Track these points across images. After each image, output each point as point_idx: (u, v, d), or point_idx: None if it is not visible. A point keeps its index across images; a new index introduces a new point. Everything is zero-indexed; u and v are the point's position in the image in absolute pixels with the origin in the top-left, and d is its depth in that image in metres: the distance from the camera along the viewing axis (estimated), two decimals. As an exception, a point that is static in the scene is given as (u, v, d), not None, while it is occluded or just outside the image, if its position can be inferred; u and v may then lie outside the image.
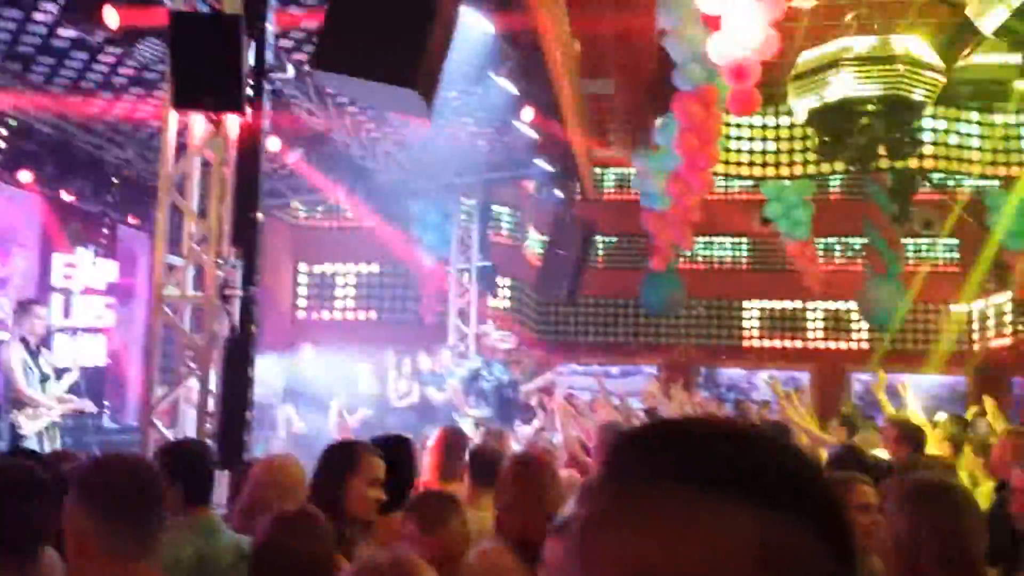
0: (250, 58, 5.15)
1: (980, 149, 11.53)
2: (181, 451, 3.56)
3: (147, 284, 10.33)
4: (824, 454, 5.62)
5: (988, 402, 7.16)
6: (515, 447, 5.69)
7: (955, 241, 15.55)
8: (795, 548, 0.64)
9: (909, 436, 5.15)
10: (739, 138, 11.36)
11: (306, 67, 7.47)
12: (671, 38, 6.58)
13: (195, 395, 5.70)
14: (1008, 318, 13.91)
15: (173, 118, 5.52)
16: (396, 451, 3.60)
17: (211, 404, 5.47)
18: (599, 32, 9.72)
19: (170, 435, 5.64)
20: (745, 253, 16.64)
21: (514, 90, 7.68)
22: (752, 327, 16.06)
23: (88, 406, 7.38)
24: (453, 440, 4.59)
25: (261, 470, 3.49)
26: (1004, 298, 13.91)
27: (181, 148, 5.79)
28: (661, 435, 0.71)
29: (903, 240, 15.10)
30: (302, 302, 14.60)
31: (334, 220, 14.60)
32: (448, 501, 2.91)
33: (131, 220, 10.09)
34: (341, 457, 3.10)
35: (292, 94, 7.80)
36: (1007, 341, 13.93)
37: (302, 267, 14.58)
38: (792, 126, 11.48)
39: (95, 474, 2.09)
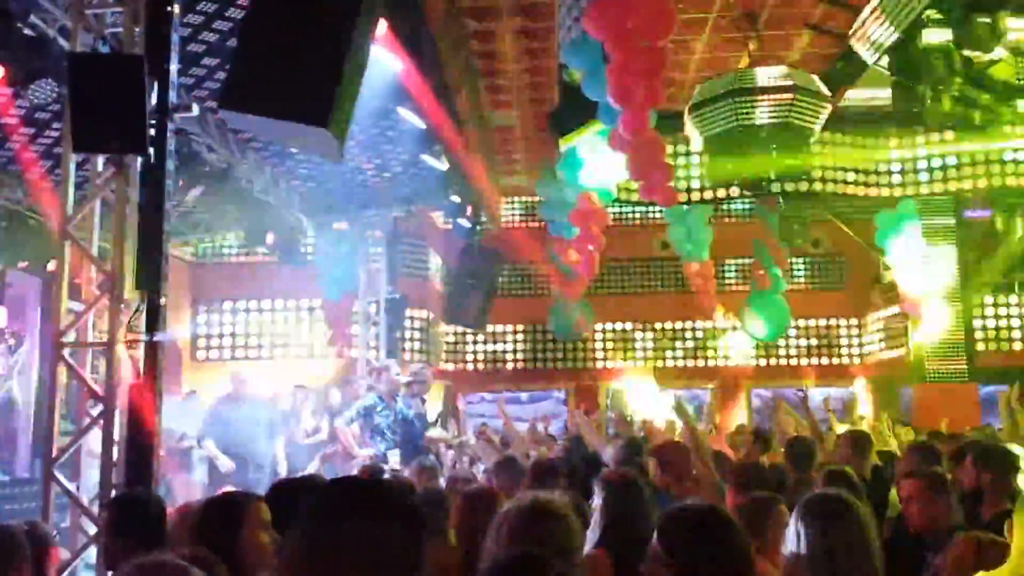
0: (153, 98, 5.00)
1: (865, 172, 12.13)
2: (128, 503, 3.44)
3: (38, 330, 9.87)
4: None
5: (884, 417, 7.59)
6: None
7: (843, 260, 16.28)
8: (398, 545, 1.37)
9: (860, 446, 5.40)
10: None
11: (208, 104, 7.34)
12: (585, 81, 6.73)
13: (97, 445, 5.46)
14: (896, 331, 14.60)
15: (72, 159, 5.30)
16: (303, 494, 3.50)
17: (115, 453, 5.25)
18: (501, 66, 9.85)
19: (72, 487, 5.39)
20: (646, 277, 17.00)
21: (421, 124, 7.69)
22: (655, 348, 16.38)
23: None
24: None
25: (175, 519, 3.38)
26: (891, 313, 14.60)
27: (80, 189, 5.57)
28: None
29: (794, 260, 15.74)
30: (202, 342, 14.15)
31: (236, 257, 14.27)
32: None
33: (20, 264, 9.61)
34: (230, 507, 2.99)
35: (193, 131, 7.61)
36: (895, 353, 14.61)
37: (201, 307, 14.15)
38: (688, 153, 11.85)
39: None
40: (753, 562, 2.34)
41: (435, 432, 9.09)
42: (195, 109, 5.70)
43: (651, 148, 6.76)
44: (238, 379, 9.25)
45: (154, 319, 5.25)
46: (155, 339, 5.20)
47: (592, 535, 3.25)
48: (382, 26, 5.54)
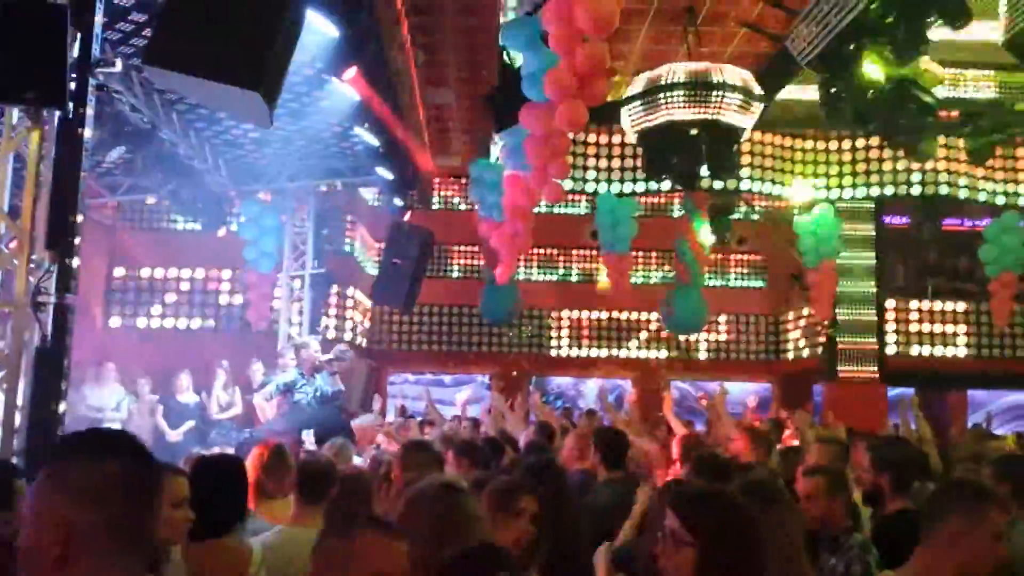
0: (75, 50, 4.79)
1: (792, 172, 12.40)
2: None
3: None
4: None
5: (801, 414, 7.77)
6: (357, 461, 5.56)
7: (766, 258, 16.63)
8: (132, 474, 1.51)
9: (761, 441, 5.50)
10: (573, 154, 11.66)
11: (133, 60, 7.07)
12: (521, 56, 6.66)
13: (0, 409, 5.24)
14: (811, 330, 14.99)
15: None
16: (226, 471, 3.44)
17: (18, 419, 5.04)
18: (440, 43, 9.74)
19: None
20: (575, 265, 17.12)
21: (356, 96, 7.54)
22: (579, 337, 16.50)
23: None
24: (275, 454, 4.40)
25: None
26: (807, 311, 14.97)
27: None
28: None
29: (717, 256, 16.03)
30: (116, 308, 13.69)
31: (156, 222, 13.87)
32: None
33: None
34: None
35: (116, 88, 7.32)
36: (810, 352, 15.00)
37: (118, 272, 13.68)
38: (623, 144, 11.93)
39: None
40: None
41: (363, 420, 8.96)
42: (119, 65, 5.47)
43: (559, 140, 6.72)
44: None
45: (65, 281, 5.05)
46: (65, 301, 5.00)
47: None
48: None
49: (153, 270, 13.61)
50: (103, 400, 9.78)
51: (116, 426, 9.64)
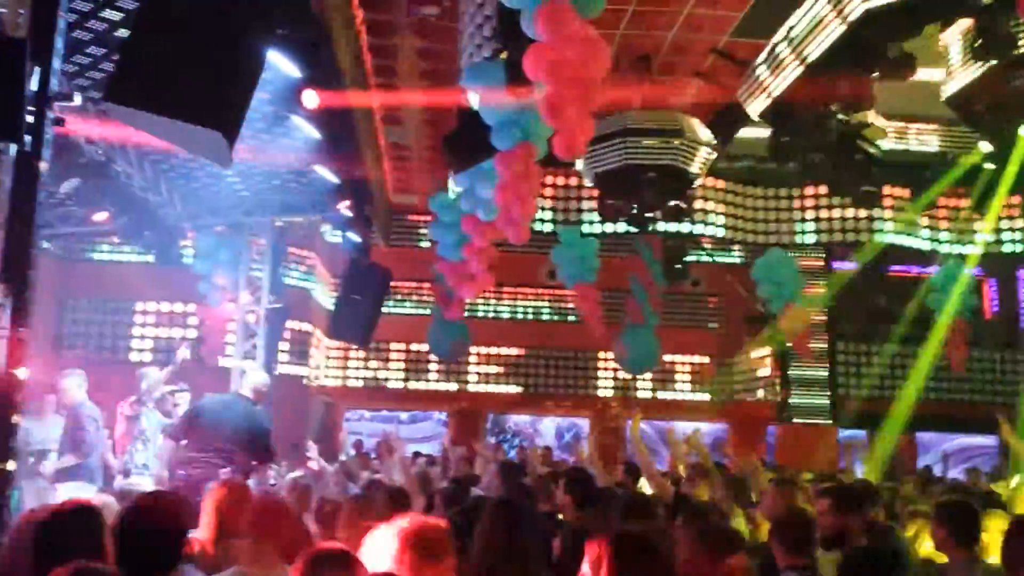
0: (32, 83, 4.78)
1: (744, 219, 12.69)
2: None
3: None
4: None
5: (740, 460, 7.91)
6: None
7: (720, 301, 16.89)
8: None
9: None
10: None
11: (90, 93, 7.07)
12: (483, 105, 6.75)
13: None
14: (764, 372, 15.20)
15: (-64, 140, 5.00)
16: (162, 507, 3.41)
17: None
18: (399, 84, 9.85)
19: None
20: (530, 304, 17.21)
21: (315, 134, 7.60)
22: (537, 375, 16.53)
23: None
24: (235, 493, 4.37)
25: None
26: (761, 354, 15.20)
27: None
28: None
29: (673, 298, 16.24)
30: (65, 342, 13.45)
31: (110, 254, 13.71)
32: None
33: None
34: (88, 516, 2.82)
35: (72, 120, 7.28)
36: (763, 394, 15.20)
37: (68, 303, 13.48)
38: (580, 187, 12.13)
39: None
40: None
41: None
42: (77, 99, 5.46)
43: (528, 182, 6.80)
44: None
45: (21, 314, 4.98)
46: (20, 336, 4.93)
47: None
48: (280, 31, 5.48)
49: (104, 302, 13.44)
50: (46, 434, 9.55)
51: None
